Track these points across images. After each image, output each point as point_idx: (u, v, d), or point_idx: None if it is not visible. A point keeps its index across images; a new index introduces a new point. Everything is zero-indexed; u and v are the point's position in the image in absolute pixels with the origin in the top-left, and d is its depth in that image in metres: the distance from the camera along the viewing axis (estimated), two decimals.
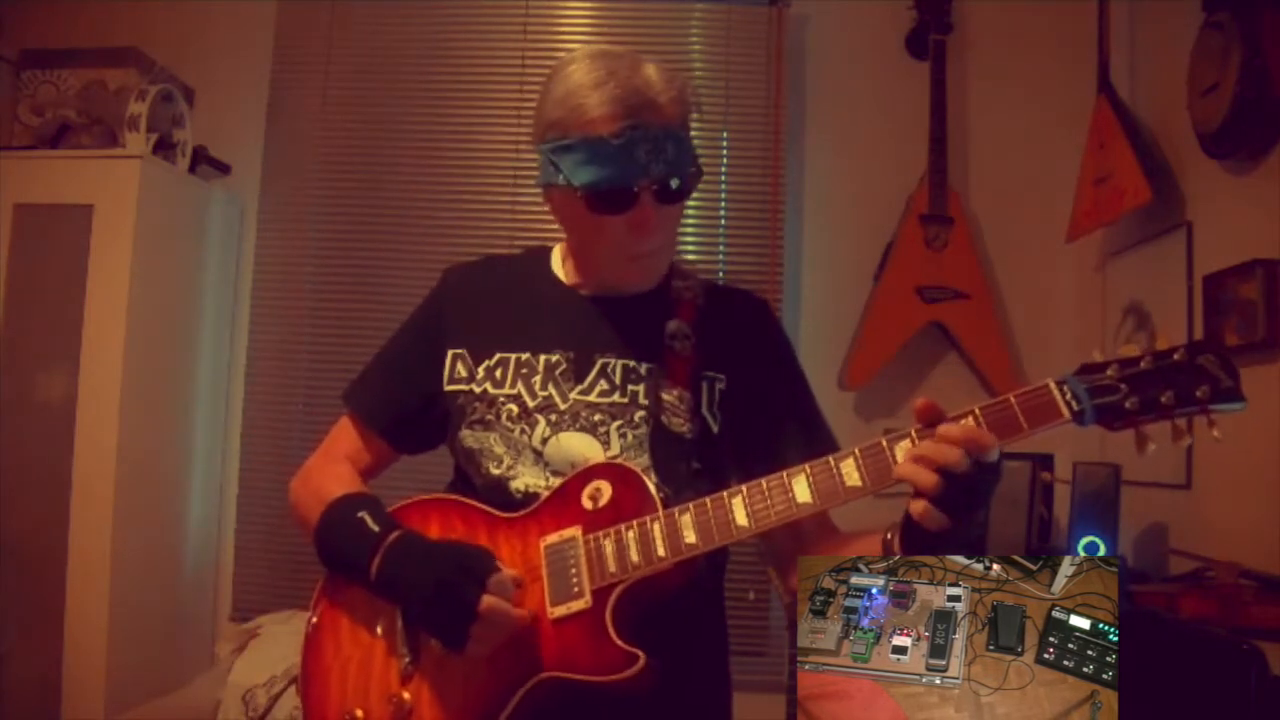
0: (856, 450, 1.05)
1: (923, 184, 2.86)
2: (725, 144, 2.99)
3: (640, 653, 1.06)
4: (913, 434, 1.02)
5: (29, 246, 2.66)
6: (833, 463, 1.06)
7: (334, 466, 1.35)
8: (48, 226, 2.68)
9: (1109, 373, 0.99)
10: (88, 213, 2.64)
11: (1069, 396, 0.98)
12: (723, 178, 2.99)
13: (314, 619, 1.24)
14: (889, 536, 1.07)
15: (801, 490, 1.06)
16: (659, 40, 3.02)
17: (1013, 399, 1.00)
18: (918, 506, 0.98)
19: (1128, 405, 0.97)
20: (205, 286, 3.00)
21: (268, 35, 3.10)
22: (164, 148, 2.81)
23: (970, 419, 1.00)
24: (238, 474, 3.02)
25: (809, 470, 1.06)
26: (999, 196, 3.00)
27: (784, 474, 1.07)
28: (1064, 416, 0.98)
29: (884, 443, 1.04)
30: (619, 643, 1.07)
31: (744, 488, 1.09)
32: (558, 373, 1.25)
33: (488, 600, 1.08)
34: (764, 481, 1.08)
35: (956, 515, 0.98)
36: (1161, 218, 2.42)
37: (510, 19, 3.05)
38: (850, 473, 1.04)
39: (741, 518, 1.07)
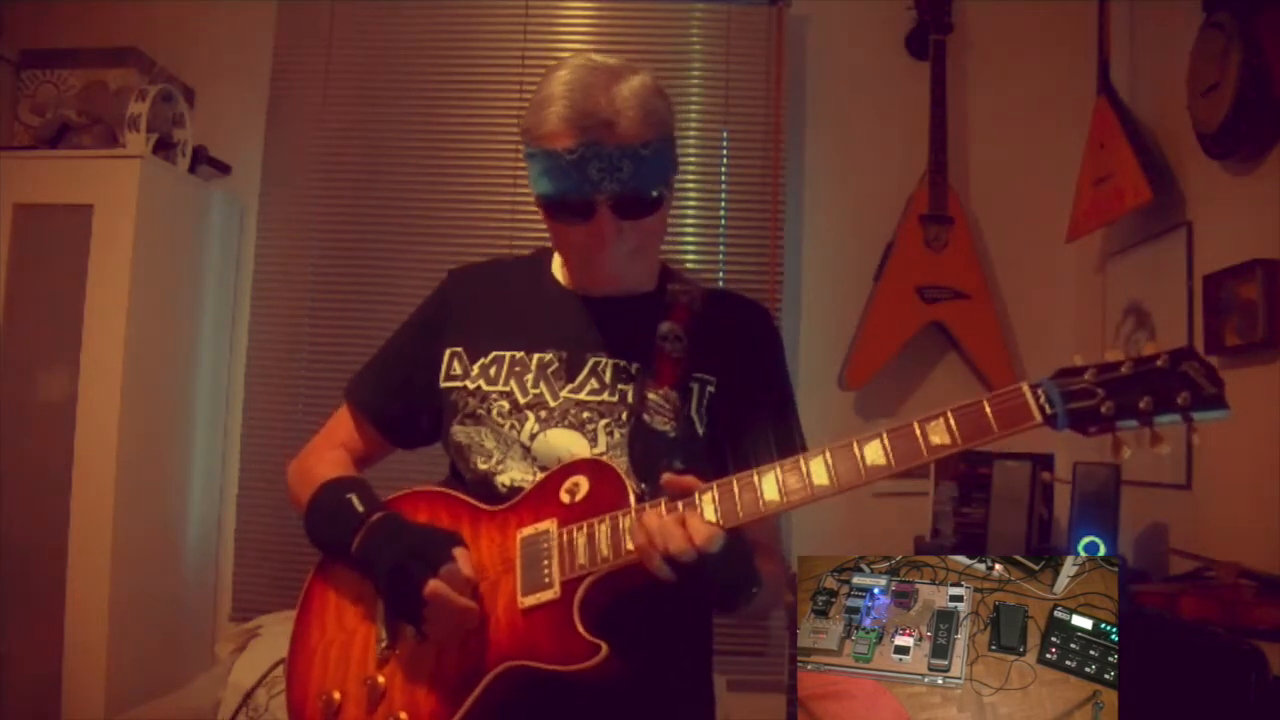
0: (826, 450, 1.05)
1: (923, 184, 2.86)
2: (725, 144, 2.99)
3: (603, 644, 1.06)
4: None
5: (29, 246, 2.66)
6: (802, 462, 1.06)
7: (330, 452, 1.39)
8: (48, 226, 2.67)
9: (1086, 377, 0.98)
10: (88, 213, 2.64)
11: (1042, 400, 0.98)
12: (723, 178, 2.99)
13: (303, 604, 1.30)
14: None
15: (770, 490, 1.06)
16: (659, 40, 3.01)
17: (985, 401, 1.00)
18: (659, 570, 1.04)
19: (1103, 410, 0.96)
20: (205, 286, 3.00)
21: (268, 35, 3.10)
22: (164, 148, 2.81)
23: (694, 516, 1.04)
24: (238, 474, 3.02)
25: (778, 470, 1.07)
26: (999, 196, 3.00)
27: (754, 473, 1.08)
28: (1035, 419, 0.98)
29: (854, 444, 1.04)
30: (583, 633, 1.08)
31: (714, 485, 1.09)
32: (549, 371, 1.26)
33: (432, 585, 1.10)
34: (734, 480, 1.08)
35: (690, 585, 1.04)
36: (1161, 218, 2.42)
37: (510, 19, 3.04)
38: (818, 472, 1.04)
39: (710, 514, 1.07)
